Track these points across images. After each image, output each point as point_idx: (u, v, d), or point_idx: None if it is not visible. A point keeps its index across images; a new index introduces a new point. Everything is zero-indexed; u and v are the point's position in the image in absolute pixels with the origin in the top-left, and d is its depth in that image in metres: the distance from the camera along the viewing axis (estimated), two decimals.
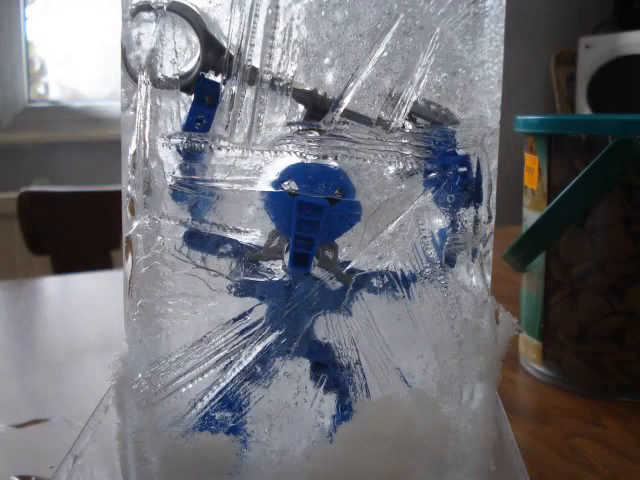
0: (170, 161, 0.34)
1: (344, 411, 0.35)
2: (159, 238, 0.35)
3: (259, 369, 0.35)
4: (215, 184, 0.34)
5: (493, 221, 0.36)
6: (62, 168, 1.97)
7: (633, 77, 2.35)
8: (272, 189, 0.33)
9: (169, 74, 0.34)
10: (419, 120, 0.35)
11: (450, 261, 0.35)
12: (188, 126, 0.34)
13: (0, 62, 2.01)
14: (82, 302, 0.91)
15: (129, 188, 0.35)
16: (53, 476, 0.34)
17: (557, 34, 2.64)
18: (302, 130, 0.33)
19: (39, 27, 2.12)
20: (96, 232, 1.27)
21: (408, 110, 0.34)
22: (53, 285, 1.07)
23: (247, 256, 0.34)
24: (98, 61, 2.13)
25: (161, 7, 0.33)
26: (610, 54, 2.39)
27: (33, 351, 0.73)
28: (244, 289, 0.34)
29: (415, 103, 0.34)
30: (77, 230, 1.31)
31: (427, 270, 0.35)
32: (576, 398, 0.59)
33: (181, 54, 0.34)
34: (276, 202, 0.33)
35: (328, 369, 0.35)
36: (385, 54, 0.34)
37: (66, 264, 1.25)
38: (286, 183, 0.33)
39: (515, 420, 0.56)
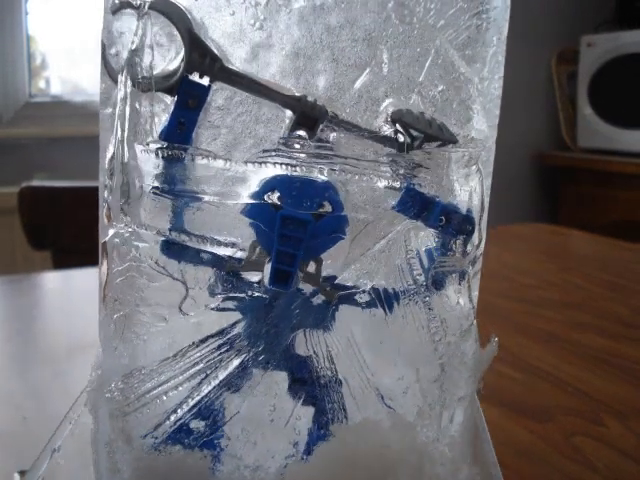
0: (149, 167, 0.33)
1: (321, 429, 0.34)
2: (134, 248, 0.33)
3: (235, 384, 0.34)
4: (196, 195, 0.33)
5: (483, 243, 0.35)
6: (63, 163, 1.97)
7: (634, 76, 2.35)
8: (255, 200, 0.32)
9: (150, 75, 0.32)
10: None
11: (438, 284, 0.34)
12: (169, 130, 0.32)
13: (1, 56, 2.00)
14: (83, 297, 0.91)
15: (106, 193, 0.33)
16: (30, 468, 0.34)
17: (559, 32, 2.64)
18: (289, 142, 0.32)
19: (40, 21, 2.11)
20: (97, 227, 1.27)
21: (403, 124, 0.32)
22: (54, 280, 1.07)
23: (227, 267, 0.33)
24: (99, 55, 2.12)
25: (141, 5, 0.31)
26: (611, 53, 2.39)
27: (34, 346, 0.73)
28: (222, 304, 0.33)
29: (410, 113, 0.32)
30: (78, 225, 1.30)
31: (412, 290, 0.34)
32: (577, 397, 0.59)
33: (164, 54, 0.32)
34: (258, 215, 0.32)
35: (307, 385, 0.34)
36: (382, 63, 0.32)
37: (67, 259, 1.25)
38: (270, 194, 0.32)
39: (516, 419, 0.56)
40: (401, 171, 0.32)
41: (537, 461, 0.50)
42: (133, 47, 0.31)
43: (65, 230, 1.30)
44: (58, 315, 0.86)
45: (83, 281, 1.00)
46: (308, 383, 0.34)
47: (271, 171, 0.32)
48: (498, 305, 0.89)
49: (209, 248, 0.33)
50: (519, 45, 2.45)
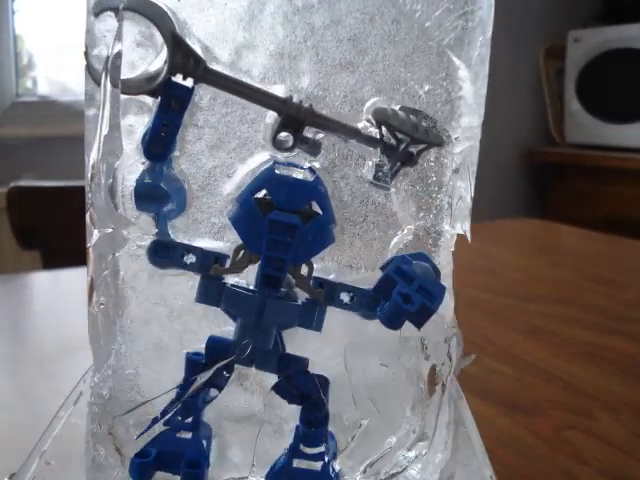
0: (134, 168, 0.32)
1: (310, 428, 0.34)
2: (118, 252, 0.33)
3: (220, 382, 0.33)
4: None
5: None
6: (51, 163, 1.96)
7: (622, 71, 2.36)
8: (242, 203, 0.31)
9: (132, 77, 0.31)
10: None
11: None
12: (153, 132, 0.31)
13: None
14: (72, 297, 0.91)
15: (89, 196, 0.33)
16: (19, 470, 0.35)
17: (546, 28, 2.64)
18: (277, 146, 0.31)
19: (27, 20, 2.10)
20: (85, 227, 1.26)
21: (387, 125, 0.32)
22: (43, 280, 1.06)
23: (211, 271, 0.32)
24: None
25: (121, 7, 0.30)
26: (599, 48, 2.40)
27: (23, 347, 0.73)
28: (209, 299, 0.33)
29: (395, 116, 0.32)
30: (67, 225, 1.30)
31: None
32: (567, 391, 0.60)
33: (145, 56, 0.31)
34: (245, 219, 0.31)
35: (294, 384, 0.33)
36: (367, 63, 0.32)
37: (56, 259, 1.25)
38: (259, 194, 0.31)
39: (507, 413, 0.56)
40: (385, 169, 0.32)
41: (527, 454, 0.50)
42: (113, 49, 0.31)
43: (54, 230, 1.29)
44: (47, 315, 0.85)
45: (72, 281, 0.99)
46: (295, 382, 0.33)
47: (257, 160, 0.32)
48: (487, 300, 0.89)
49: (193, 253, 0.32)
50: (507, 41, 2.45)
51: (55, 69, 2.19)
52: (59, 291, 0.99)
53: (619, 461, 0.49)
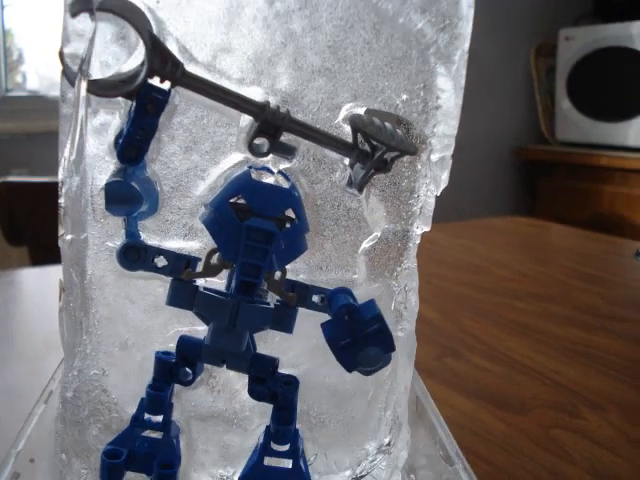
0: (105, 169, 0.32)
1: (279, 426, 0.33)
2: (87, 254, 0.33)
3: (189, 380, 0.33)
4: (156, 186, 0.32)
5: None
6: (40, 158, 1.94)
7: (612, 69, 2.37)
8: (217, 208, 0.31)
9: (107, 78, 0.30)
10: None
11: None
12: (128, 136, 0.30)
13: None
14: None
15: (62, 200, 0.33)
16: None
17: (537, 26, 2.65)
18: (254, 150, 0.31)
19: (17, 15, 2.09)
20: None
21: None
22: (31, 276, 1.06)
23: (185, 275, 0.31)
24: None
25: (96, 7, 0.29)
26: (590, 46, 2.41)
27: (11, 343, 0.73)
28: (180, 302, 0.32)
29: (372, 124, 0.31)
30: (55, 221, 1.29)
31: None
32: (555, 390, 0.60)
33: (119, 56, 0.30)
34: (220, 224, 0.31)
35: (265, 384, 0.33)
36: (345, 70, 0.32)
37: (44, 255, 1.24)
38: (234, 199, 0.31)
39: (494, 411, 0.56)
40: (359, 176, 0.32)
41: (514, 453, 0.50)
42: (88, 50, 0.30)
43: (42, 226, 1.29)
44: (35, 312, 0.85)
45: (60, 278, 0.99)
46: (267, 382, 0.33)
47: (230, 161, 0.32)
48: (475, 298, 0.90)
49: (164, 256, 0.31)
50: (498, 39, 2.46)
51: (45, 64, 2.18)
52: (47, 288, 0.98)
53: (606, 460, 0.49)
